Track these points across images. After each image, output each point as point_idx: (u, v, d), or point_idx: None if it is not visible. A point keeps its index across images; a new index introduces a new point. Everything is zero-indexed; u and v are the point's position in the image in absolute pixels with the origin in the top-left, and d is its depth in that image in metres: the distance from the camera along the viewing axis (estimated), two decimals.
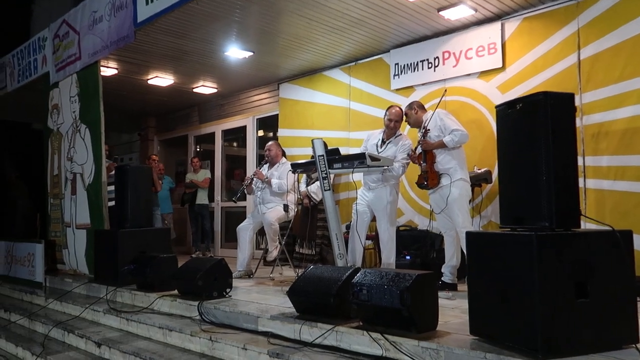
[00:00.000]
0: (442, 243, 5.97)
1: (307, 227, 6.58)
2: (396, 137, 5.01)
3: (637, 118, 4.68)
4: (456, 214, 4.53)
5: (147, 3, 5.33)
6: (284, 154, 6.49)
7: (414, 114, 4.90)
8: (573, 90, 4.23)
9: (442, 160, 4.64)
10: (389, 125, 4.96)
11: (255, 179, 6.00)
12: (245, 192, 6.11)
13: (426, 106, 6.32)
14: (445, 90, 5.30)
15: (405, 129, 6.43)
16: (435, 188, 4.69)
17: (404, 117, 4.99)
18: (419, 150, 4.77)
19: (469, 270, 2.94)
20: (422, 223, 6.26)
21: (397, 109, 5.04)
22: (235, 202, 7.14)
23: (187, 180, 9.17)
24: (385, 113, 5.03)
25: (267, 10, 5.57)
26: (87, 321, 5.11)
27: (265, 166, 6.17)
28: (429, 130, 4.70)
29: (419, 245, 5.82)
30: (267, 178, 5.89)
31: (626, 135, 4.76)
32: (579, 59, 5.07)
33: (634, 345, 2.57)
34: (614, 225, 2.64)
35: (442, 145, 4.60)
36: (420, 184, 4.78)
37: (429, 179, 4.67)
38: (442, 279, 4.69)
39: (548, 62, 5.27)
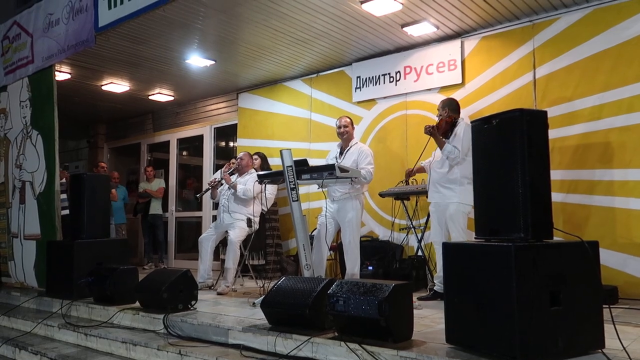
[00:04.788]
0: (402, 253, 6.11)
1: (256, 238, 6.51)
2: (353, 145, 5.10)
3: (588, 135, 4.97)
4: (452, 229, 4.57)
5: (109, 7, 5.18)
6: None
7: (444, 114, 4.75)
8: (529, 107, 4.43)
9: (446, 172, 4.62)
10: (340, 132, 5.11)
11: (223, 183, 5.95)
12: (210, 195, 6.07)
13: (387, 119, 6.51)
14: None
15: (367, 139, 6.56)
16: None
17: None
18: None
19: (445, 280, 3.01)
20: (382, 234, 6.35)
21: (345, 116, 5.23)
22: (198, 200, 7.09)
23: (140, 189, 8.93)
24: (336, 123, 5.19)
25: (233, 19, 5.54)
26: (40, 337, 4.85)
27: (234, 175, 6.12)
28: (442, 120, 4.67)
29: (380, 255, 5.90)
30: (233, 182, 5.83)
31: (578, 150, 5.03)
32: (534, 77, 5.32)
33: (600, 350, 2.71)
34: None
35: (441, 145, 4.57)
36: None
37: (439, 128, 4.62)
38: (435, 288, 4.74)
39: (505, 80, 5.51)
